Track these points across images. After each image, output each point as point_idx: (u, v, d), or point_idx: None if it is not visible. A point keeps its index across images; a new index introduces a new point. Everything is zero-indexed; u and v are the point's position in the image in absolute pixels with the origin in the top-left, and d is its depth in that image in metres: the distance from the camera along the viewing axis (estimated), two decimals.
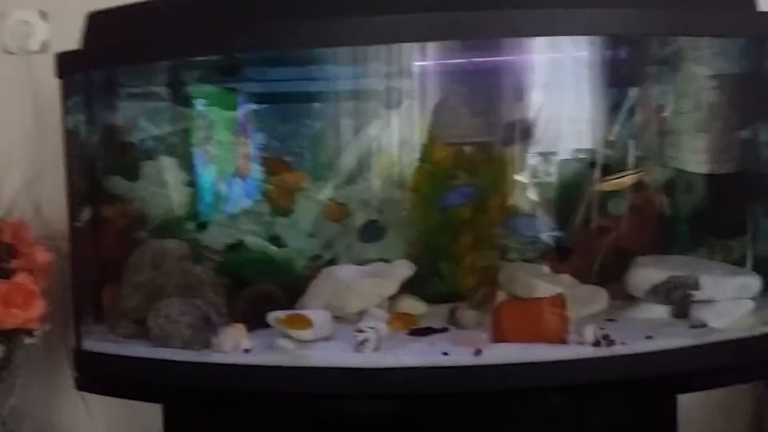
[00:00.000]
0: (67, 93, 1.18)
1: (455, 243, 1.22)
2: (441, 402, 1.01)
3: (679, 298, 1.08)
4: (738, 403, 1.43)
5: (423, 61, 1.20)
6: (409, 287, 1.22)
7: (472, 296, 1.19)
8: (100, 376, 1.19)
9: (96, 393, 1.23)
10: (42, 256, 1.32)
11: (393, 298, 1.21)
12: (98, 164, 1.29)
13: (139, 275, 1.19)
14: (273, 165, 1.32)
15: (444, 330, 1.13)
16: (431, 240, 1.24)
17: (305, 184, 1.31)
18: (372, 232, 1.26)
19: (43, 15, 1.44)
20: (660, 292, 1.09)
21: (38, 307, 1.24)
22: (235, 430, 1.15)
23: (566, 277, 1.22)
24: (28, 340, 1.27)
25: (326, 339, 1.09)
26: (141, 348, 1.14)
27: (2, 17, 1.44)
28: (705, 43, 1.12)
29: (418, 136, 1.24)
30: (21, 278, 1.25)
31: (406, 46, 1.13)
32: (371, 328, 1.03)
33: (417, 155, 1.25)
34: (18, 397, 1.33)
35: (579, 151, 1.22)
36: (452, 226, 1.22)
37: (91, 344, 1.20)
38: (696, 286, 1.07)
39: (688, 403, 1.23)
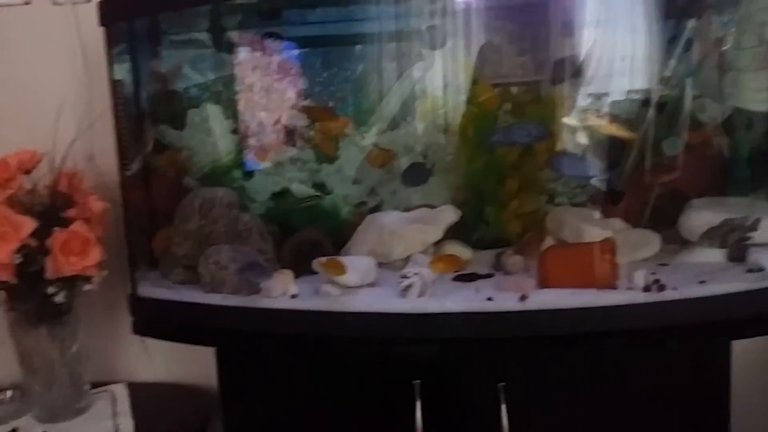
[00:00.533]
0: (110, 42, 1.19)
1: (501, 187, 1.19)
2: (486, 347, 1.01)
3: (734, 242, 1.04)
4: None
5: None
6: (454, 233, 1.21)
7: (519, 241, 1.17)
8: (156, 321, 1.23)
9: (152, 337, 1.27)
10: (96, 205, 1.36)
11: (438, 244, 1.21)
12: (145, 113, 1.30)
13: (189, 223, 1.21)
14: (316, 112, 1.31)
15: (489, 276, 1.12)
16: (477, 184, 1.22)
17: (348, 130, 1.29)
18: (416, 174, 1.23)
19: None
20: (715, 236, 1.04)
21: (95, 255, 1.28)
22: (286, 372, 1.18)
23: (617, 221, 1.19)
24: (86, 287, 1.32)
25: (371, 285, 1.10)
26: (193, 293, 1.17)
27: None
28: None
29: (463, 78, 1.21)
30: (77, 227, 1.29)
31: None
32: (416, 274, 1.03)
33: (462, 97, 1.21)
34: (80, 342, 1.39)
35: (632, 89, 1.17)
36: (498, 170, 1.19)
37: (146, 290, 1.24)
38: (754, 228, 1.02)
39: (742, 349, 1.20)
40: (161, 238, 1.29)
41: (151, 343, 1.53)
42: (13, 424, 1.38)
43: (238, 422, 1.23)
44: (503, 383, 1.03)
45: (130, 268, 1.26)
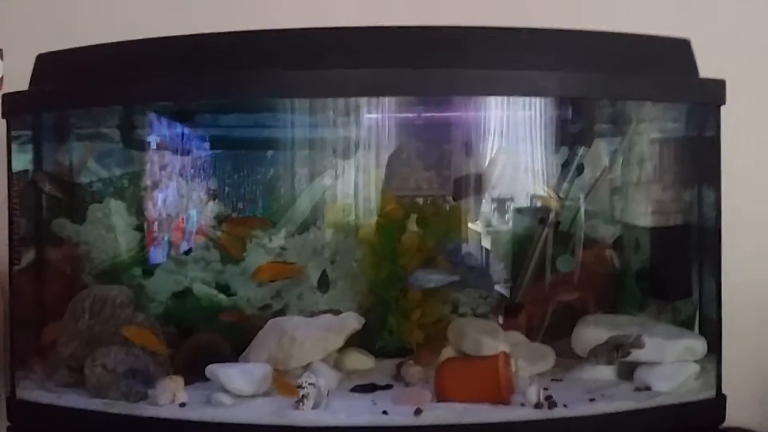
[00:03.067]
0: (12, 133, 1.16)
1: (404, 296, 1.21)
2: None
3: (620, 358, 1.07)
4: None
5: (377, 113, 1.21)
6: (358, 340, 1.20)
7: (419, 352, 1.17)
8: (35, 427, 1.14)
9: None
10: None
11: (340, 351, 1.19)
12: (44, 205, 1.26)
13: (78, 322, 1.16)
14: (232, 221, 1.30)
15: (389, 386, 1.10)
16: (380, 292, 1.23)
17: (257, 232, 1.29)
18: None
19: None
20: (601, 353, 1.08)
21: None
22: None
23: (516, 334, 1.21)
24: None
25: (266, 394, 1.06)
26: (76, 398, 1.10)
27: None
28: (650, 106, 1.14)
29: (370, 188, 1.24)
30: None
31: (358, 99, 1.13)
32: (310, 384, 1.01)
33: (369, 206, 1.24)
34: None
35: (529, 208, 1.23)
36: (401, 278, 1.20)
37: (26, 393, 1.15)
38: (637, 345, 1.06)
39: None
40: (47, 337, 1.22)
41: None
42: None
43: None
44: None
45: (10, 367, 1.18)
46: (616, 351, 1.06)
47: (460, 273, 1.17)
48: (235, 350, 1.20)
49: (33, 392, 1.15)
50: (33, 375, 1.20)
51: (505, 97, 1.09)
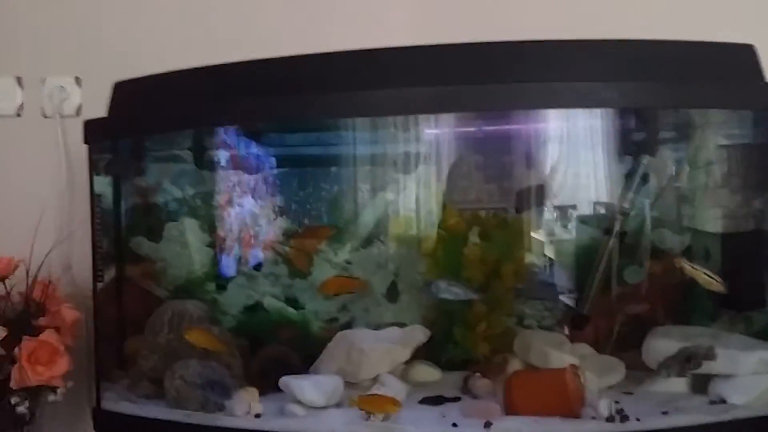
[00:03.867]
0: (93, 158, 1.23)
1: (469, 308, 1.22)
2: None
3: (691, 371, 1.05)
4: None
5: (438, 129, 1.23)
6: (424, 353, 1.22)
7: (486, 364, 1.18)
8: None
9: None
10: (69, 314, 1.35)
11: (407, 364, 1.21)
12: (123, 225, 1.33)
13: (158, 336, 1.21)
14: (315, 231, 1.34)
15: (457, 399, 1.12)
16: (445, 304, 1.24)
17: (322, 246, 1.32)
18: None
19: (78, 81, 1.51)
20: (672, 364, 1.06)
21: (62, 365, 1.27)
22: None
23: (583, 346, 1.20)
24: (51, 398, 1.30)
25: (337, 405, 1.09)
26: (157, 409, 1.15)
27: (41, 82, 1.52)
28: (715, 113, 1.12)
29: (432, 201, 1.26)
30: (47, 336, 1.28)
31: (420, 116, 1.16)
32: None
33: (431, 219, 1.26)
34: None
35: (593, 218, 1.22)
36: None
37: (110, 403, 1.22)
38: (709, 357, 1.04)
39: None
40: (129, 351, 1.28)
41: None
42: None
43: None
44: None
45: (96, 379, 1.25)
46: (687, 362, 1.04)
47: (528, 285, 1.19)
48: (304, 363, 1.23)
49: (117, 403, 1.22)
50: (116, 387, 1.26)
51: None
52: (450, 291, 1.13)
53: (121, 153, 1.31)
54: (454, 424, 1.00)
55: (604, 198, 1.22)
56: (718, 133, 1.18)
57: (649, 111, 1.15)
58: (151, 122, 1.17)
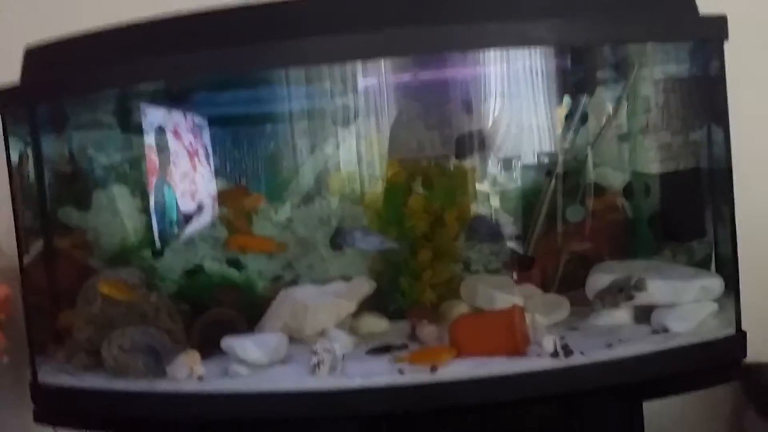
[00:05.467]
0: (6, 127, 1.16)
1: (414, 257, 1.20)
2: (399, 422, 0.98)
3: (623, 301, 1.06)
4: (717, 407, 1.41)
5: (376, 77, 1.20)
6: (371, 303, 1.20)
7: (433, 311, 1.17)
8: (59, 409, 1.16)
9: (54, 425, 1.19)
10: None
11: (354, 316, 1.19)
12: (49, 196, 1.26)
13: (92, 306, 1.17)
14: (231, 195, 1.30)
15: (404, 347, 1.10)
16: (390, 255, 1.22)
17: (262, 206, 1.28)
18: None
19: None
20: (605, 297, 1.07)
21: None
22: None
23: (529, 287, 1.20)
24: None
25: (282, 362, 1.07)
26: (97, 379, 1.11)
27: None
28: (651, 47, 1.11)
29: (372, 153, 1.23)
30: None
31: (357, 64, 1.12)
32: (326, 349, 1.01)
33: (373, 171, 1.23)
34: None
35: (534, 160, 1.21)
36: (410, 241, 1.20)
37: (48, 377, 1.17)
38: (639, 288, 1.05)
39: (663, 408, 1.21)
40: (63, 323, 1.23)
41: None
42: None
43: None
44: None
45: (30, 353, 1.19)
46: (619, 293, 1.05)
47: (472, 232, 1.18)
48: (249, 324, 1.20)
49: (55, 377, 1.17)
50: (53, 361, 1.21)
51: (501, 51, 1.07)
52: (366, 241, 1.11)
53: (39, 121, 1.24)
54: (401, 371, 0.99)
55: (544, 140, 1.21)
56: (653, 69, 1.18)
57: (585, 49, 1.14)
58: (69, 85, 1.10)
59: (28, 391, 1.26)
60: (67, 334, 1.21)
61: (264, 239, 1.26)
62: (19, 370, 1.32)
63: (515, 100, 1.21)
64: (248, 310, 1.22)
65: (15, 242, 1.31)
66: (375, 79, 1.21)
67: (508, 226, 1.23)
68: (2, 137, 1.17)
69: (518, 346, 1.00)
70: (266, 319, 1.20)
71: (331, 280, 1.24)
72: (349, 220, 1.26)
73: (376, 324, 1.19)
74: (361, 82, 1.21)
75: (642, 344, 1.01)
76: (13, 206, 1.18)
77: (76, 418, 1.15)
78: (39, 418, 1.18)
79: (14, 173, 1.18)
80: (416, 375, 0.98)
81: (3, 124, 1.17)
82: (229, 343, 1.07)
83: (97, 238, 1.28)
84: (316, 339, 1.12)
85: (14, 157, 1.18)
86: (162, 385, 1.06)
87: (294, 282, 1.28)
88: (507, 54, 1.13)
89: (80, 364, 1.17)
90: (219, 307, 1.22)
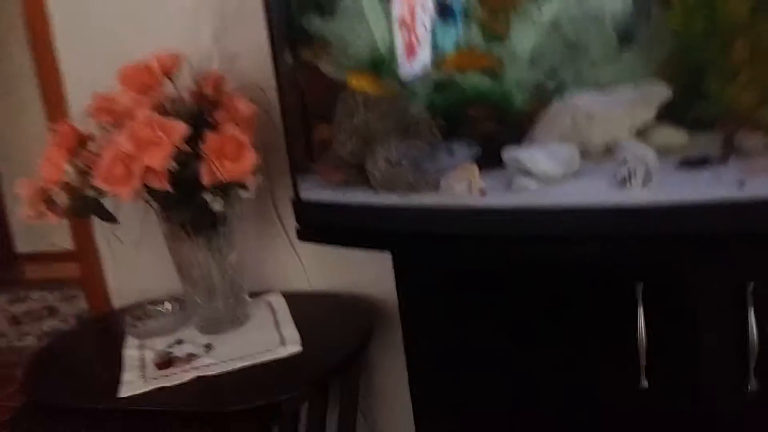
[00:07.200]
0: None
1: (725, 54, 0.99)
2: (731, 243, 0.84)
3: None
4: None
5: None
6: (663, 114, 1.02)
7: (754, 117, 0.97)
8: (324, 226, 1.14)
9: (319, 243, 1.18)
10: (245, 107, 1.26)
11: (646, 129, 1.03)
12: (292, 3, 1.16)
13: (353, 118, 1.09)
14: None
15: (724, 158, 0.93)
16: (693, 52, 1.01)
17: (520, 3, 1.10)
18: None
19: None
20: None
21: (250, 159, 1.20)
22: (472, 278, 1.06)
23: None
24: (243, 194, 1.25)
25: (575, 176, 0.95)
26: (362, 194, 1.06)
27: None
28: None
29: None
30: (229, 129, 1.20)
31: None
32: (638, 159, 0.87)
33: None
34: (237, 252, 1.33)
35: None
36: (723, 31, 0.98)
37: (309, 194, 1.14)
38: None
39: None
40: (319, 138, 1.17)
41: (303, 251, 1.46)
42: (177, 335, 1.36)
43: (417, 333, 1.13)
44: (752, 283, 0.87)
45: (290, 170, 1.16)
46: None
47: None
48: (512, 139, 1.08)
49: (316, 193, 1.13)
50: (308, 178, 1.18)
51: None
52: None
53: None
54: (741, 183, 0.82)
55: None
56: None
57: None
58: None
59: (270, 215, 1.25)
60: (323, 150, 1.15)
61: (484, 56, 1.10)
62: (262, 194, 1.33)
63: None
64: (509, 125, 1.10)
65: (255, 59, 1.26)
66: None
67: None
68: None
69: None
70: (539, 131, 1.06)
71: (607, 87, 1.07)
72: (635, 16, 1.06)
73: (672, 136, 1.02)
74: None
75: None
76: (266, 15, 1.10)
77: (341, 235, 1.13)
78: (303, 237, 1.17)
79: None
80: (761, 189, 0.81)
81: None
82: (515, 155, 0.95)
83: (344, 48, 1.18)
84: (599, 154, 0.98)
85: None
86: (438, 199, 0.98)
87: (558, 92, 1.12)
88: None
89: (341, 179, 1.13)
90: (482, 121, 1.10)
